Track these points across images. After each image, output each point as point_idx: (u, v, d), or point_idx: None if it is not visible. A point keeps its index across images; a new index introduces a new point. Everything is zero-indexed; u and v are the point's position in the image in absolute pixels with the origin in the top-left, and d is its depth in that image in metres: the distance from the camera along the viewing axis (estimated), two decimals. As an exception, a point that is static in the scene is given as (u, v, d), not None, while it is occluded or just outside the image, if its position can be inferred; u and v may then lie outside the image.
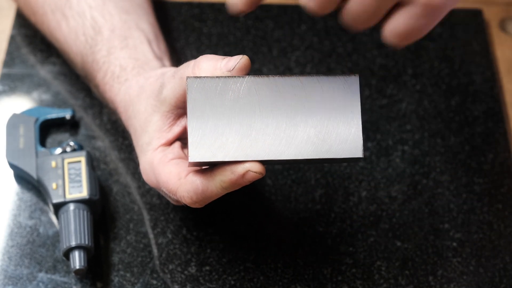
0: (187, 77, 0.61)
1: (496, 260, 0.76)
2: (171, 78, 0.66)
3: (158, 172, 0.66)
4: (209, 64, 0.63)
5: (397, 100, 0.86)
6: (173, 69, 0.68)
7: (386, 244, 0.76)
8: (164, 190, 0.66)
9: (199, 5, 0.92)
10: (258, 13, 0.91)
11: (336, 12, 0.93)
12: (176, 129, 0.67)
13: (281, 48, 0.89)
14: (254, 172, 0.60)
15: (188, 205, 0.64)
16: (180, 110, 0.66)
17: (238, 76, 0.61)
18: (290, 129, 0.61)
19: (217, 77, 0.61)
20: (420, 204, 0.79)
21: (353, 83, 0.61)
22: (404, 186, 0.80)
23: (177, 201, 0.68)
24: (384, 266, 0.75)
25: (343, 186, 0.80)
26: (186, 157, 0.67)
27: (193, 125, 0.60)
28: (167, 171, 0.65)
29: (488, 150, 0.83)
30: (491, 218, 0.78)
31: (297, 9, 0.92)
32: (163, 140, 0.67)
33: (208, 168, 0.63)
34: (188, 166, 0.63)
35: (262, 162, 0.61)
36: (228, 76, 0.61)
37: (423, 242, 0.77)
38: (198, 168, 0.64)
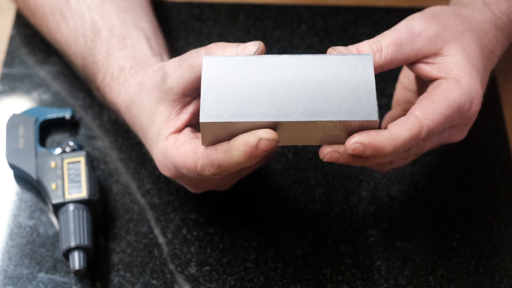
0: (204, 56, 0.62)
1: (496, 260, 0.76)
2: (178, 67, 0.66)
3: (173, 156, 0.66)
4: (227, 52, 0.63)
5: (397, 100, 0.86)
6: (174, 59, 0.68)
7: (386, 244, 0.76)
8: (184, 171, 0.65)
9: (199, 5, 0.92)
10: (258, 13, 0.91)
11: (336, 12, 0.93)
12: (184, 117, 0.67)
13: (281, 48, 0.89)
14: (267, 139, 0.59)
15: (208, 177, 0.64)
16: (188, 98, 0.67)
17: (252, 56, 0.62)
18: (304, 97, 0.61)
19: (232, 56, 0.62)
20: (420, 204, 0.79)
21: (367, 59, 0.62)
22: (404, 186, 0.80)
23: (197, 184, 0.68)
24: (384, 266, 0.75)
25: (343, 186, 0.80)
26: (198, 139, 0.66)
27: (206, 91, 0.61)
28: (182, 151, 0.65)
29: (488, 150, 0.83)
30: (491, 218, 0.78)
31: (297, 9, 0.92)
32: (173, 129, 0.67)
33: (224, 142, 0.63)
34: (202, 144, 0.63)
35: (275, 129, 0.60)
36: (243, 56, 0.62)
37: (423, 242, 0.77)
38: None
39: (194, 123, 0.67)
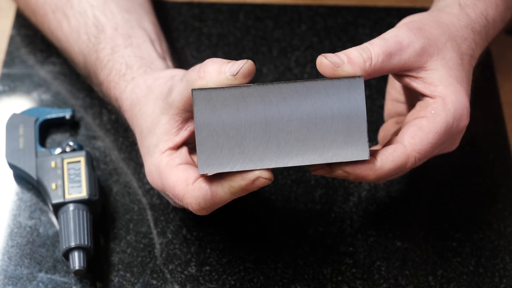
0: (192, 90, 0.61)
1: (496, 260, 0.76)
2: (179, 82, 0.66)
3: (165, 176, 0.66)
4: (214, 68, 0.63)
5: (397, 100, 0.86)
6: (183, 72, 0.68)
7: (386, 244, 0.76)
8: (170, 195, 0.66)
9: (199, 5, 0.92)
10: (258, 13, 0.91)
11: (336, 12, 0.93)
12: (184, 133, 0.67)
13: (281, 48, 0.89)
14: (264, 178, 0.61)
15: (194, 212, 0.64)
16: (188, 113, 0.66)
17: (242, 85, 0.61)
18: (297, 135, 0.61)
19: (222, 87, 0.61)
20: (420, 204, 0.79)
21: (357, 85, 0.61)
22: (404, 186, 0.80)
23: (179, 205, 0.68)
24: (384, 266, 0.75)
25: (343, 186, 0.80)
26: (193, 163, 0.67)
27: (201, 136, 0.61)
28: (174, 175, 0.65)
29: (488, 150, 0.83)
30: (491, 218, 0.78)
31: (297, 9, 0.92)
32: (171, 144, 0.67)
33: (217, 174, 0.63)
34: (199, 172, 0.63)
35: (270, 168, 0.61)
36: (233, 86, 0.61)
37: (423, 242, 0.77)
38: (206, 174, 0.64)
39: (192, 141, 0.67)
